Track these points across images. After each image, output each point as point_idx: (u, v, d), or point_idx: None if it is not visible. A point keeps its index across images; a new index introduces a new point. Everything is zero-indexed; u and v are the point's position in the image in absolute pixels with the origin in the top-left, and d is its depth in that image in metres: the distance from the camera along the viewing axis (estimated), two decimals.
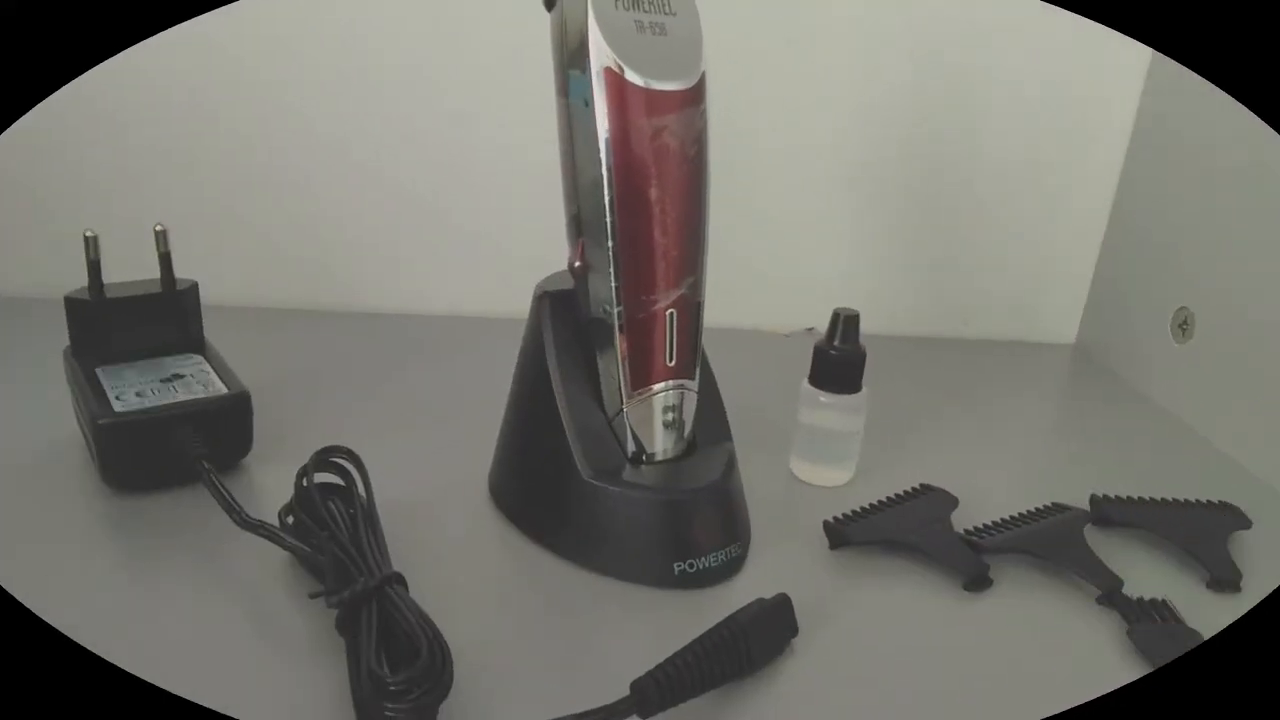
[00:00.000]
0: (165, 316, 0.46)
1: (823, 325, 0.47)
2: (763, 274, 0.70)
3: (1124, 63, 0.65)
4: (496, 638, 0.35)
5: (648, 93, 0.36)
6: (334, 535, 0.35)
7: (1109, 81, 0.66)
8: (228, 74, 0.63)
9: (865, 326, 0.46)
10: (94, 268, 0.44)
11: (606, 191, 0.37)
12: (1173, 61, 0.62)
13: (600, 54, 0.35)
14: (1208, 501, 0.47)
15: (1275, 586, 0.41)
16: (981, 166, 0.68)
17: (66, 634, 0.32)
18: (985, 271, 0.71)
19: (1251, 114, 0.54)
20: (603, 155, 0.36)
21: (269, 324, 0.64)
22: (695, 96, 0.37)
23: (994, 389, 0.63)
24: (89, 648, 0.30)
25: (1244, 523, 0.45)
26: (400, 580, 0.33)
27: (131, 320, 0.45)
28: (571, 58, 0.37)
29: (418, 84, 0.64)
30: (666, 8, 0.37)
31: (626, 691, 0.30)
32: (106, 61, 0.61)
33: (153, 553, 0.39)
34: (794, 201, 0.68)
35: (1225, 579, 0.41)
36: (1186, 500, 0.47)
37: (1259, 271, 0.54)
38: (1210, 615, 0.38)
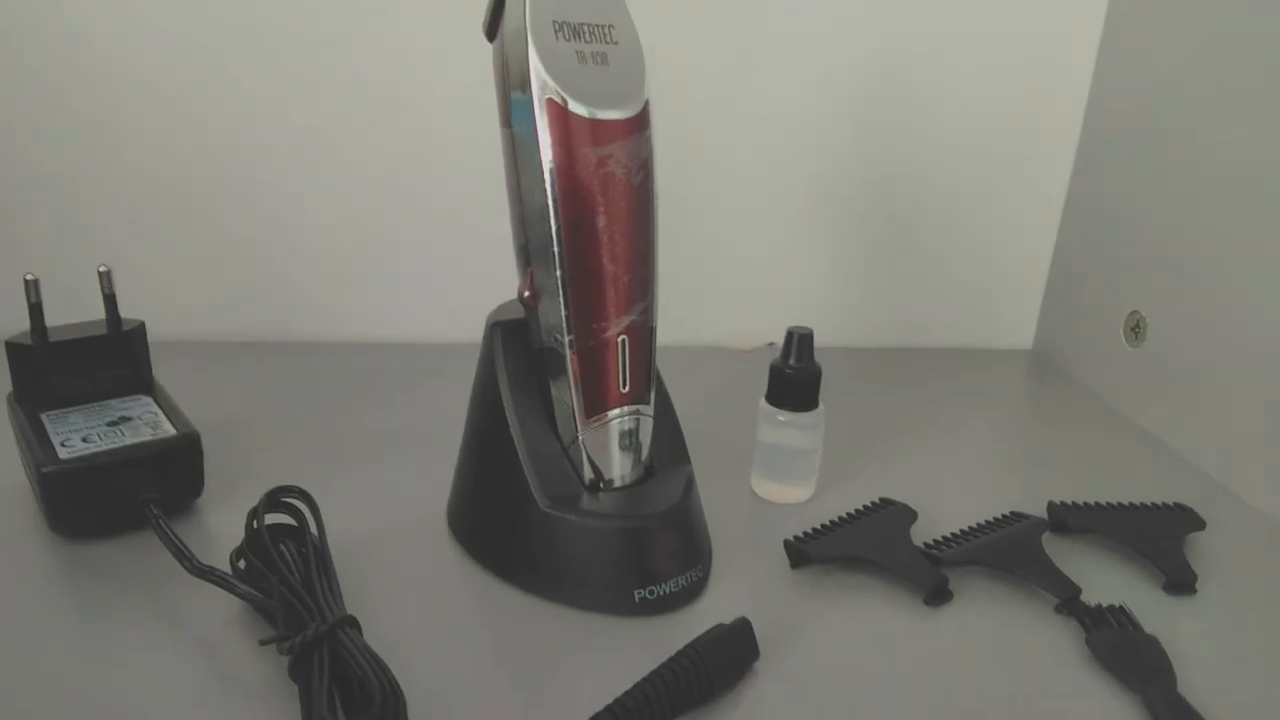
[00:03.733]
0: (111, 358, 0.45)
1: (782, 340, 0.47)
2: (723, 290, 0.70)
3: (1070, 75, 0.66)
4: (454, 676, 0.35)
5: (592, 123, 0.36)
6: (285, 578, 0.34)
7: (1057, 95, 0.67)
8: (169, 108, 0.62)
9: (824, 339, 0.46)
10: (35, 311, 0.43)
11: (553, 221, 0.37)
12: (1118, 70, 0.64)
13: (542, 86, 0.35)
14: (1163, 504, 0.48)
15: (1230, 587, 0.42)
16: (935, 179, 0.69)
17: (15, 684, 0.31)
18: (942, 281, 0.72)
19: (1198, 122, 0.55)
20: (548, 185, 0.36)
21: (218, 358, 0.63)
22: (639, 124, 0.37)
23: (952, 398, 0.63)
24: (38, 698, 0.29)
25: (1198, 524, 0.46)
26: (353, 623, 0.32)
27: (76, 363, 0.44)
28: (514, 88, 0.37)
29: (370, 113, 0.63)
30: (608, 37, 0.37)
31: None
32: (42, 95, 0.60)
33: (103, 601, 0.38)
34: (751, 219, 0.69)
35: (1181, 581, 0.42)
36: (1142, 504, 0.47)
37: (1208, 275, 0.55)
38: (1167, 619, 0.39)
